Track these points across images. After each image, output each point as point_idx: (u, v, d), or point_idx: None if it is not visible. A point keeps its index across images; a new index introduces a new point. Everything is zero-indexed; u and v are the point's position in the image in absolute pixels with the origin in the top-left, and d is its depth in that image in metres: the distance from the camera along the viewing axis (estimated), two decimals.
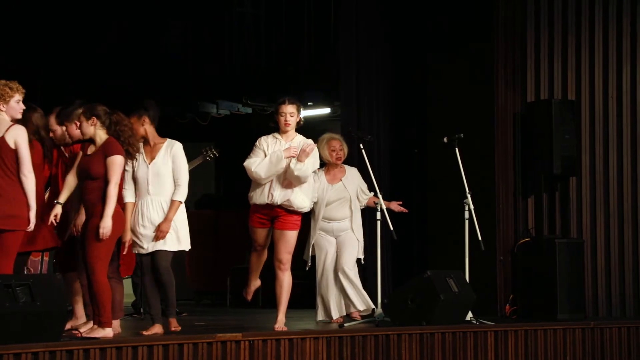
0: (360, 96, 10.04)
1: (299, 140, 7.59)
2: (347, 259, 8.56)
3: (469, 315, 8.26)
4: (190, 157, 9.61)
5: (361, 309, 8.51)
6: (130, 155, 6.80)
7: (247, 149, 8.88)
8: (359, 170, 8.90)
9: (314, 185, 7.97)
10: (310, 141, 7.60)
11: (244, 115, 13.50)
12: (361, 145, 8.51)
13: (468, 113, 9.56)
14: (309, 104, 13.28)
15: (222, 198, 13.54)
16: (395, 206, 8.77)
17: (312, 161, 7.52)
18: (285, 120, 7.53)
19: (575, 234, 9.55)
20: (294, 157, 7.42)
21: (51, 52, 12.17)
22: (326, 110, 13.49)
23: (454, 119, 9.58)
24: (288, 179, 7.44)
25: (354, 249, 8.61)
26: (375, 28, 10.15)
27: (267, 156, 7.48)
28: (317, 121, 13.92)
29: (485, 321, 8.18)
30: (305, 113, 13.63)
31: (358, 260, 8.69)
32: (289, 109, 7.54)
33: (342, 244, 8.62)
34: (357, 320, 8.40)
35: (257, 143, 7.62)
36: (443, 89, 9.90)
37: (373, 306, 8.41)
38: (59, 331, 6.18)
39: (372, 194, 8.67)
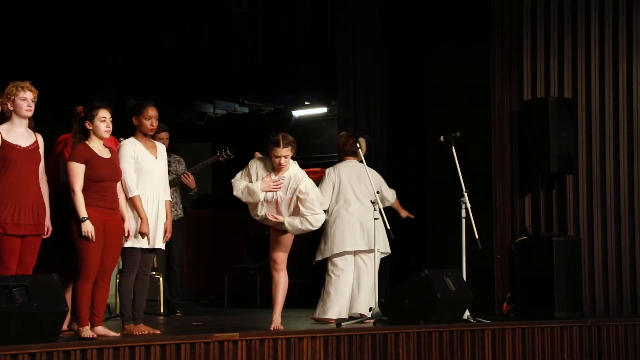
0: (358, 95, 10.04)
1: (292, 172, 7.47)
2: None
3: (467, 313, 8.27)
4: (196, 156, 9.65)
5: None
6: None
7: (244, 148, 8.90)
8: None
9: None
10: (301, 176, 7.47)
11: (240, 115, 13.51)
12: (358, 145, 8.50)
13: (465, 111, 9.57)
14: (306, 103, 13.29)
15: (219, 198, 13.53)
16: (405, 213, 9.06)
17: (302, 217, 7.43)
18: (280, 163, 7.39)
19: (572, 232, 9.56)
20: (273, 191, 7.39)
21: (47, 52, 12.16)
22: (323, 110, 13.49)
23: (450, 117, 9.58)
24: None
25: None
26: (373, 27, 10.15)
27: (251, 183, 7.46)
28: (314, 121, 13.93)
29: (482, 320, 8.18)
30: (303, 112, 13.75)
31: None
32: (283, 152, 7.38)
33: None
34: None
35: (249, 165, 7.56)
36: (440, 87, 9.91)
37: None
38: (56, 332, 6.18)
39: None
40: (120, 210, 6.95)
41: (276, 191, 7.38)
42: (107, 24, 12.90)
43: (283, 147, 7.35)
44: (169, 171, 9.13)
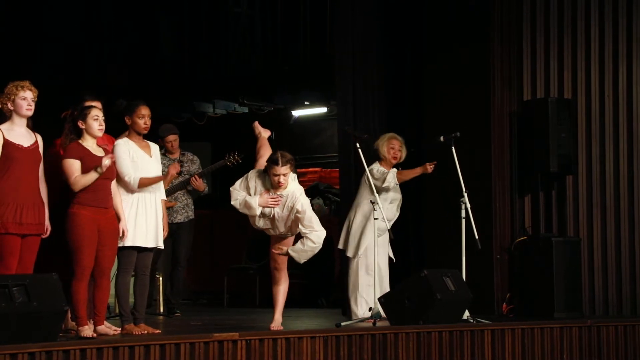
0: (357, 95, 10.03)
1: (290, 190, 7.38)
2: None
3: (466, 314, 8.27)
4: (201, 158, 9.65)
5: None
6: None
7: (244, 148, 8.89)
8: (356, 170, 8.92)
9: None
10: (297, 195, 7.38)
11: (240, 115, 13.51)
12: (358, 145, 8.50)
13: (465, 112, 9.57)
14: (305, 103, 13.30)
15: (218, 198, 13.54)
16: (430, 168, 8.74)
17: (305, 246, 7.38)
18: (279, 181, 7.31)
19: (572, 232, 9.55)
20: (270, 207, 7.36)
21: (47, 52, 12.16)
22: (323, 110, 13.50)
23: (450, 117, 9.58)
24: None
25: None
26: (371, 27, 10.14)
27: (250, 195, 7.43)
28: (313, 120, 13.94)
29: (482, 320, 8.18)
30: (302, 112, 13.75)
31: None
32: (282, 170, 7.28)
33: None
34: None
35: (248, 176, 7.49)
36: (440, 88, 9.91)
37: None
38: (56, 331, 6.17)
39: None
40: (115, 210, 6.94)
41: (274, 208, 7.37)
42: (106, 24, 12.91)
43: (282, 166, 7.27)
44: (181, 172, 9.14)
